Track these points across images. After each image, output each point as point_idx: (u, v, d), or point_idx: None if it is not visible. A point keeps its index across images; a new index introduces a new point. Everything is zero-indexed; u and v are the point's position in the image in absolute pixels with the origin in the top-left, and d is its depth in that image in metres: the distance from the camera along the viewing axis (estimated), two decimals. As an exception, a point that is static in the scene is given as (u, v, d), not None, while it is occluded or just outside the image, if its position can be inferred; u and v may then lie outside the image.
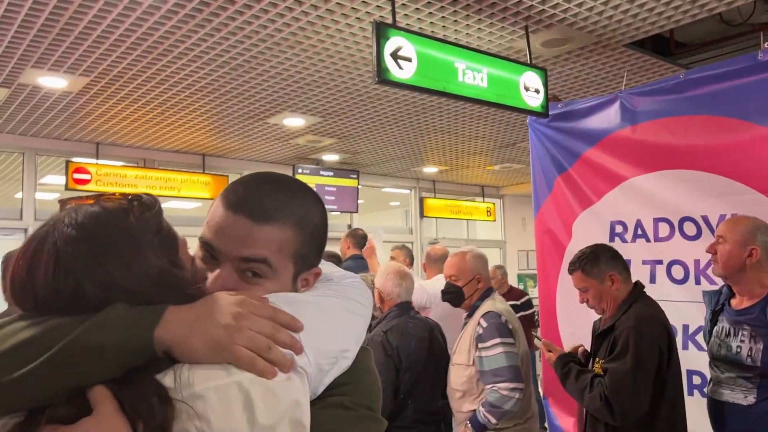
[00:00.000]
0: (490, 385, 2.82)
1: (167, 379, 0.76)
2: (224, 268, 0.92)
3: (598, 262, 2.54)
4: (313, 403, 0.84)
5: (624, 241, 3.51)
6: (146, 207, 0.88)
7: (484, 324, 2.92)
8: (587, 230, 3.65)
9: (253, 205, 0.93)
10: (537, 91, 3.79)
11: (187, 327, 0.78)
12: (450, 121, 5.92)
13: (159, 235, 0.86)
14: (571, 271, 2.62)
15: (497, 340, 2.86)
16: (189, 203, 7.27)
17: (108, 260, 0.80)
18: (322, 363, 0.86)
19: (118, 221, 0.83)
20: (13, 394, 0.74)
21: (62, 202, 0.89)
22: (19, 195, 6.43)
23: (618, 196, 3.56)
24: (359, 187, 7.80)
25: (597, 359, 2.50)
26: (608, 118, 3.60)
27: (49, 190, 6.85)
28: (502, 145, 7.00)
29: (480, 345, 2.89)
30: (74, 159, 6.17)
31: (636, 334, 2.33)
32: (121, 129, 5.89)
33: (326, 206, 1.06)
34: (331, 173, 7.52)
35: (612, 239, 3.54)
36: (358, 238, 4.79)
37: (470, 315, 3.09)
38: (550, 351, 2.71)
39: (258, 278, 0.93)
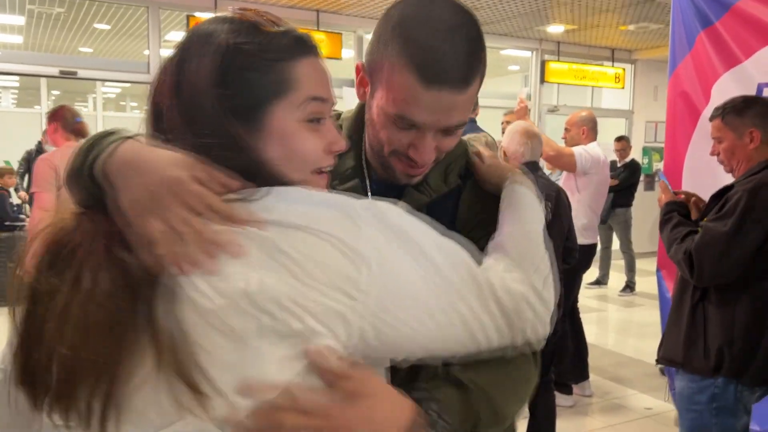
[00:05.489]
0: None
1: None
2: (428, 136, 0.93)
3: (743, 114, 2.23)
4: None
5: (773, 106, 3.10)
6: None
7: None
8: (729, 93, 3.21)
9: (454, 75, 0.89)
10: (687, -72, 3.26)
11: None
12: (581, -28, 5.34)
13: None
14: (711, 117, 2.34)
15: None
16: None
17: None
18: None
19: None
20: None
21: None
22: (147, 52, 6.70)
23: (772, 54, 3.11)
24: (477, 47, 7.40)
25: (705, 219, 2.30)
26: (773, -42, 3.07)
27: (173, 47, 7.09)
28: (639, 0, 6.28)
29: None
30: (195, 14, 6.26)
31: (749, 197, 2.05)
32: (237, -18, 5.85)
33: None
34: (448, 32, 7.16)
35: (758, 104, 3.14)
36: None
37: None
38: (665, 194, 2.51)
39: (457, 130, 0.97)
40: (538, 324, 0.82)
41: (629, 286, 7.00)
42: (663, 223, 2.37)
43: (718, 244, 2.06)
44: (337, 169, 1.06)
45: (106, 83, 8.69)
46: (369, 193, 1.07)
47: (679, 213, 2.37)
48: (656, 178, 2.82)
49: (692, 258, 2.11)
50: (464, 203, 1.06)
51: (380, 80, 0.93)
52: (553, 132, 7.40)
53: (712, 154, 2.35)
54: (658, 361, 2.40)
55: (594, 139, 4.14)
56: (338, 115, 1.15)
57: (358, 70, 0.99)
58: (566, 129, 4.26)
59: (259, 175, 0.72)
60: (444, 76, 0.88)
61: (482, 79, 0.95)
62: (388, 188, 1.05)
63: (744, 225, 2.04)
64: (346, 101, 5.63)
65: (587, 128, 4.14)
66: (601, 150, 4.08)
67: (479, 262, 0.79)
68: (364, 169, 1.08)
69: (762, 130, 2.22)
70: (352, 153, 1.08)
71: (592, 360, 4.20)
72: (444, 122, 0.92)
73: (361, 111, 1.08)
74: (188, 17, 6.18)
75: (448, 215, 1.04)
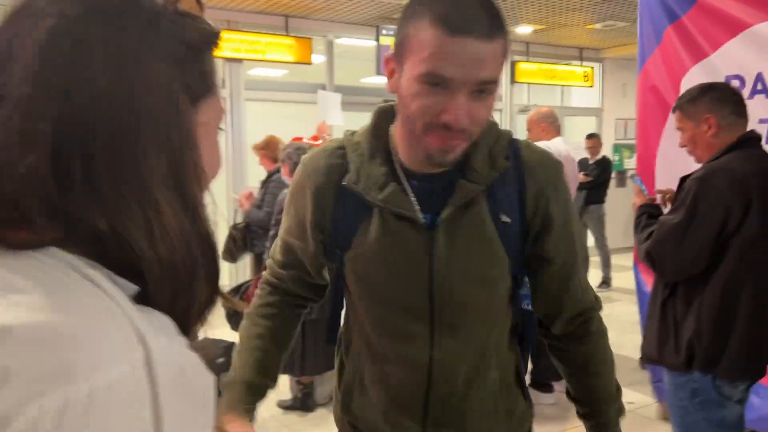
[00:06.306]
0: None
1: None
2: (460, 95, 0.91)
3: (697, 102, 2.15)
4: None
5: (740, 98, 3.14)
6: None
7: None
8: (698, 86, 3.29)
9: (481, 22, 0.89)
10: (651, -76, 3.30)
11: None
12: (548, -29, 5.38)
13: None
14: (673, 109, 2.30)
15: None
16: (278, 70, 7.23)
17: None
18: None
19: None
20: None
21: None
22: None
23: (738, 47, 3.15)
24: (447, 49, 7.42)
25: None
26: (735, -48, 3.11)
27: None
28: (605, -2, 6.36)
29: None
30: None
31: (699, 185, 2.00)
32: (203, -12, 5.77)
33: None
34: (418, 34, 7.17)
35: (726, 96, 3.18)
36: None
37: None
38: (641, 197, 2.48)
39: (487, 95, 0.94)
40: None
41: (605, 282, 7.06)
42: (635, 227, 2.34)
43: (673, 236, 2.03)
44: (369, 181, 1.04)
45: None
46: (411, 194, 1.04)
47: (649, 215, 2.33)
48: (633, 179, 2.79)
49: (652, 255, 2.10)
50: (530, 194, 1.05)
51: (407, 51, 0.94)
52: (525, 132, 7.44)
53: (681, 146, 2.32)
54: (641, 359, 2.40)
55: (557, 134, 4.07)
56: (352, 133, 1.13)
57: (387, 61, 0.99)
58: (528, 129, 4.23)
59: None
60: (468, 24, 0.89)
61: (506, 45, 0.94)
62: (433, 185, 1.03)
63: (696, 214, 2.00)
64: (320, 105, 5.58)
65: (547, 124, 4.09)
66: (565, 146, 4.00)
67: None
68: (398, 171, 1.06)
69: (718, 115, 2.13)
70: (378, 159, 1.06)
71: (572, 357, 4.19)
72: (473, 75, 0.90)
73: (378, 116, 1.09)
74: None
75: (515, 205, 1.04)
